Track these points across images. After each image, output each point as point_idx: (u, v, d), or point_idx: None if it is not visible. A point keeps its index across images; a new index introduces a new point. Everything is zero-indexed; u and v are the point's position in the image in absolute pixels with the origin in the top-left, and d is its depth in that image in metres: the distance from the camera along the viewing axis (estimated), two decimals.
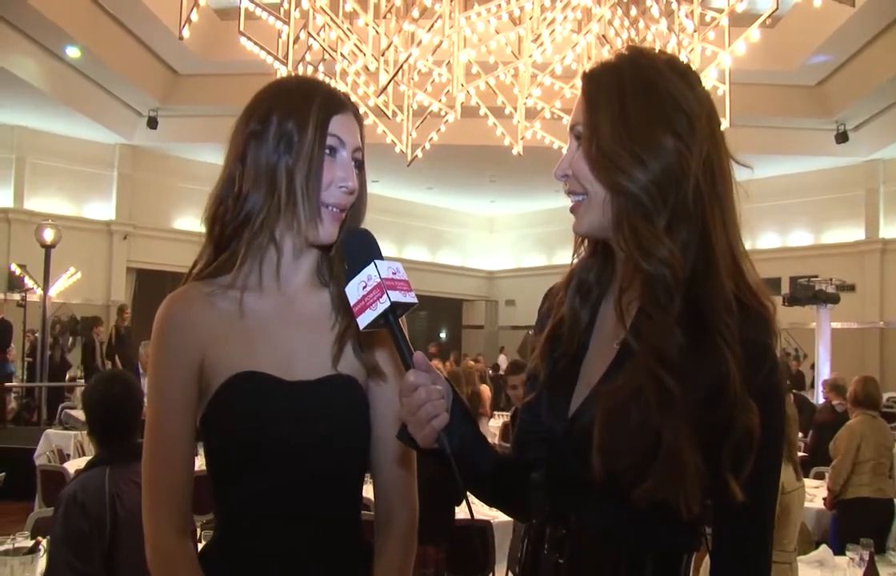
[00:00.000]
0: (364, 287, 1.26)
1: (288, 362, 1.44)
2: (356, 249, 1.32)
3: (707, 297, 1.19)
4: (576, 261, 1.39)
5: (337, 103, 1.47)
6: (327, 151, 1.44)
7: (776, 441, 1.21)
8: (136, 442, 2.84)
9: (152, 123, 14.03)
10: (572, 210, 1.32)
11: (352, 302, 1.27)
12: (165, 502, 1.43)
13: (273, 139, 1.43)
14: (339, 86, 6.73)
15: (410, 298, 1.27)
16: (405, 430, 1.25)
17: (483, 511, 5.15)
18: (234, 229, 1.46)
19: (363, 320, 1.26)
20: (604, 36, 5.88)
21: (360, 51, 6.09)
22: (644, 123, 1.21)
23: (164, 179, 16.31)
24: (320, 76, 6.52)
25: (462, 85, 6.26)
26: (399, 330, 1.27)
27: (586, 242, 1.37)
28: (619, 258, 1.30)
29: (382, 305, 1.24)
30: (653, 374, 1.16)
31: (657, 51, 1.31)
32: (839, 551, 4.21)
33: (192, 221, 16.23)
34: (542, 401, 1.31)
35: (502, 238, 21.89)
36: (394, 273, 1.27)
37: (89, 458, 2.95)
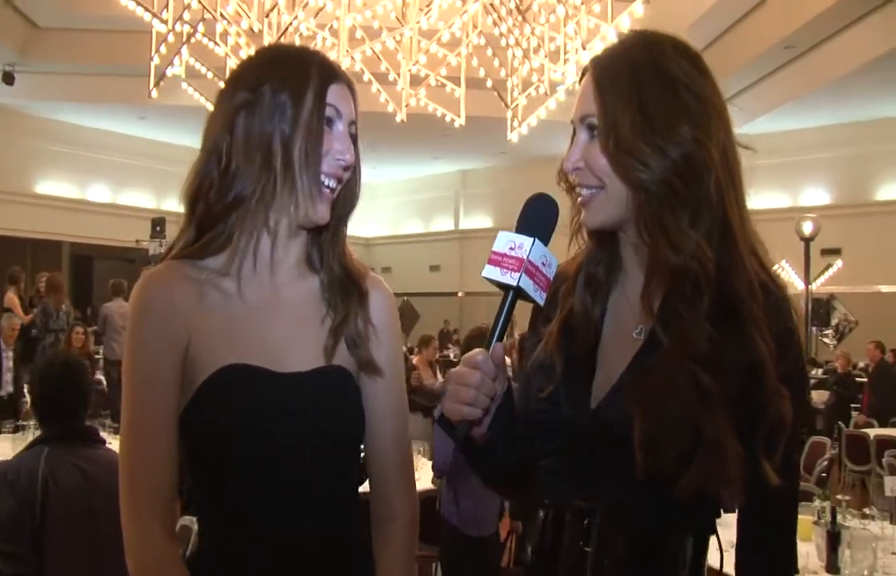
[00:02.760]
0: (511, 248, 1.19)
1: (279, 353, 1.34)
2: (537, 212, 1.23)
3: (733, 286, 1.18)
4: (578, 250, 1.35)
5: (333, 73, 1.37)
6: (325, 121, 1.34)
7: (801, 421, 1.25)
8: (79, 425, 2.85)
9: (8, 79, 13.01)
10: (583, 203, 1.27)
11: (494, 248, 1.20)
12: (150, 504, 1.29)
13: (267, 109, 1.32)
14: (220, 48, 6.48)
15: (538, 296, 1.20)
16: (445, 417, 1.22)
17: None
18: (223, 208, 1.33)
19: (488, 272, 1.20)
20: (491, 4, 5.87)
21: (245, 13, 5.85)
22: (663, 114, 1.19)
23: (23, 139, 15.32)
24: (198, 37, 6.24)
25: (347, 51, 6.13)
26: (508, 309, 1.20)
27: (584, 229, 1.32)
28: (629, 250, 1.29)
29: (510, 279, 1.18)
30: (686, 370, 1.15)
31: (659, 33, 1.27)
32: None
33: (55, 185, 15.36)
34: (561, 392, 1.28)
35: (381, 205, 21.80)
36: (543, 264, 1.20)
37: None
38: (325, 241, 1.42)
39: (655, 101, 1.19)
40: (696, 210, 1.19)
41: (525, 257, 1.18)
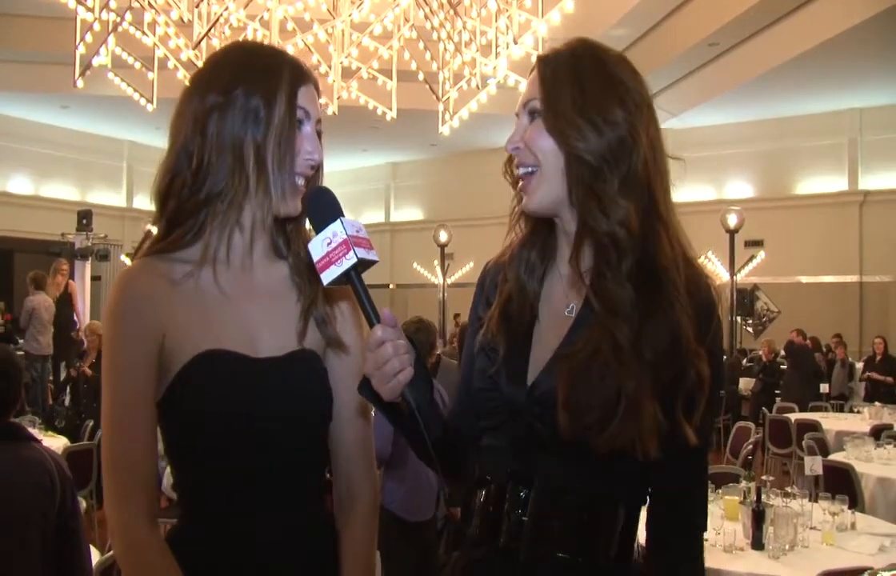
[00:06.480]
0: (329, 243, 1.27)
1: (252, 339, 1.41)
2: (320, 205, 1.32)
3: (656, 257, 1.30)
4: (514, 238, 1.45)
5: (303, 75, 1.44)
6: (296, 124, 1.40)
7: (719, 388, 1.37)
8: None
9: None
10: (522, 188, 1.38)
11: (315, 258, 1.28)
12: (135, 492, 1.35)
13: (239, 113, 1.38)
14: (147, 38, 6.34)
15: (373, 255, 1.29)
16: (367, 385, 1.28)
17: None
18: (195, 204, 1.40)
19: (327, 276, 1.27)
20: None
21: (174, 3, 5.74)
22: (600, 98, 1.32)
23: None
24: (125, 26, 6.10)
25: (278, 43, 6.08)
26: (363, 286, 1.29)
27: (523, 219, 1.43)
28: (562, 230, 1.39)
29: (348, 261, 1.26)
30: (608, 329, 1.26)
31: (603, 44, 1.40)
32: None
33: None
34: (500, 372, 1.37)
35: None
36: (357, 231, 1.29)
37: None
38: (292, 229, 1.49)
39: (593, 86, 1.33)
40: (624, 181, 1.31)
41: (346, 236, 1.27)
